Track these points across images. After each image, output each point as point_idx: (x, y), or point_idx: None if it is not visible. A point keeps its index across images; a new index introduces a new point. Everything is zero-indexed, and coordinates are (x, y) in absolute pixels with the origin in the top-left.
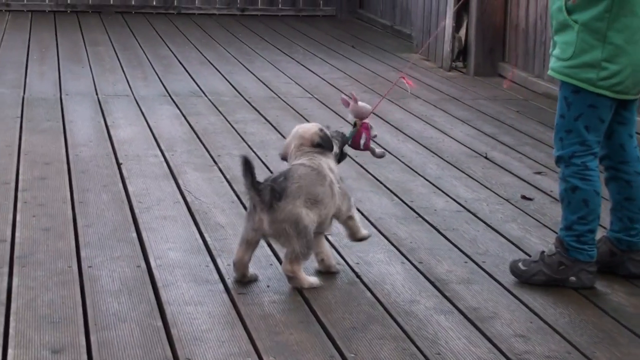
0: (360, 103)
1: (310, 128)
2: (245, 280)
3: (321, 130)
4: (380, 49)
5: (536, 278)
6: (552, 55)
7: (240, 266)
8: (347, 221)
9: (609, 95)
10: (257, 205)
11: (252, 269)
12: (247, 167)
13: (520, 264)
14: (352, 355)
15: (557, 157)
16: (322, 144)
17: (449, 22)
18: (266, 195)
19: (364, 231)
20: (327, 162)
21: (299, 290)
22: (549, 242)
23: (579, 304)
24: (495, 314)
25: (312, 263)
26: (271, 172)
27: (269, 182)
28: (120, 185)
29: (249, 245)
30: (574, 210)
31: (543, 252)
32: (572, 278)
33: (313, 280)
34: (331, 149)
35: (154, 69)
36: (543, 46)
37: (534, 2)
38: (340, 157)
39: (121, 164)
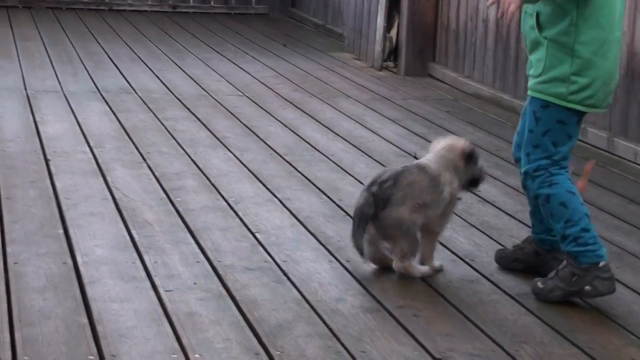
0: None
1: (461, 141)
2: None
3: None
4: (312, 47)
5: (553, 294)
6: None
7: (377, 262)
8: (428, 236)
9: (580, 110)
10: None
11: (180, 267)
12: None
13: (538, 283)
14: (278, 352)
15: (524, 173)
16: (472, 156)
17: (380, 22)
18: (370, 210)
19: (430, 263)
20: (448, 175)
21: (225, 288)
22: (476, 241)
23: (503, 303)
24: (421, 312)
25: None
26: (198, 168)
27: (374, 189)
28: (48, 181)
29: (371, 244)
30: (557, 218)
31: (558, 268)
32: (587, 287)
33: (424, 269)
34: (477, 163)
35: (84, 65)
36: (473, 47)
37: (464, 3)
38: (469, 185)
39: (49, 160)
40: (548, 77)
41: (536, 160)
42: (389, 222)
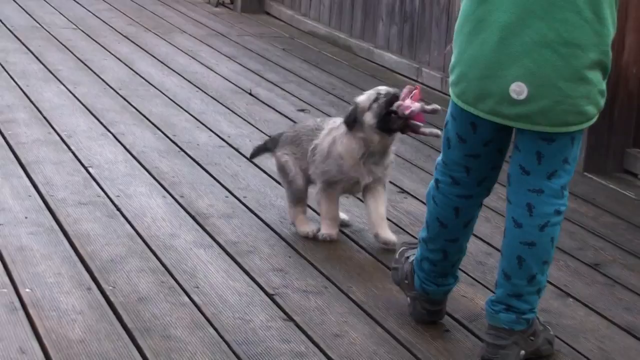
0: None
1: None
2: None
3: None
4: None
5: (393, 273)
6: None
7: None
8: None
9: (453, 101)
10: None
11: (11, 200)
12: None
13: (397, 258)
14: (110, 287)
15: None
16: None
17: None
18: (267, 146)
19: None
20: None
21: (57, 222)
22: None
23: (337, 240)
24: (254, 249)
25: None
26: (30, 101)
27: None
28: None
29: None
30: (424, 225)
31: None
32: (408, 299)
33: (308, 230)
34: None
35: None
36: None
37: None
38: (381, 124)
39: None
40: None
41: (440, 154)
42: (275, 161)
